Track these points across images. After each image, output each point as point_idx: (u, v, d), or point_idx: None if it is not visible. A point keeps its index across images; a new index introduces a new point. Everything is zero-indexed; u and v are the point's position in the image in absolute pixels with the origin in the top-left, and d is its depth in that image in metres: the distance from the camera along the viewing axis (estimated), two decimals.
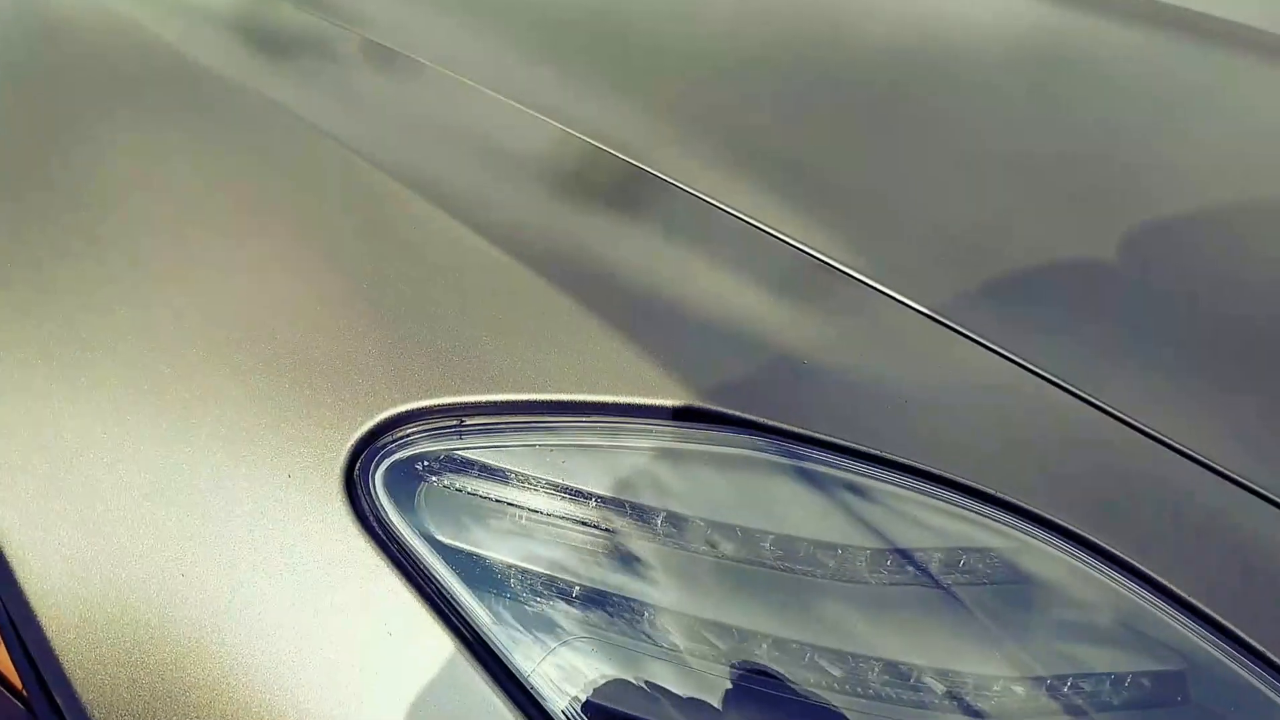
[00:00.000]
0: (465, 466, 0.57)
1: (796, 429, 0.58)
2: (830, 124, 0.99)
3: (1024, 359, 0.64)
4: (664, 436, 0.58)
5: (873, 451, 0.58)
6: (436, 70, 0.95)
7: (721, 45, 1.18)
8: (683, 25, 1.22)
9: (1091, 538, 0.55)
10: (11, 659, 0.60)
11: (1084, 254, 0.80)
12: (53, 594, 0.57)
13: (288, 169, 0.77)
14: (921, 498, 0.57)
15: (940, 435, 0.60)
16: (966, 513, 0.56)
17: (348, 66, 1.00)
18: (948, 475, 0.57)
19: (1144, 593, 0.53)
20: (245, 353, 0.61)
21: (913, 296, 0.68)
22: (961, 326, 0.66)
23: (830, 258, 0.71)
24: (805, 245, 0.72)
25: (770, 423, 0.58)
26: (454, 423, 0.58)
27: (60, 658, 0.56)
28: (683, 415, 0.58)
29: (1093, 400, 0.62)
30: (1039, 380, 0.62)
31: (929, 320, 0.67)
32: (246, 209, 0.73)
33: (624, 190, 0.78)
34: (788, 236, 0.73)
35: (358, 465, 0.56)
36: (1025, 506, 0.56)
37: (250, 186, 0.75)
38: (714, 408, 0.58)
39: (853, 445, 0.58)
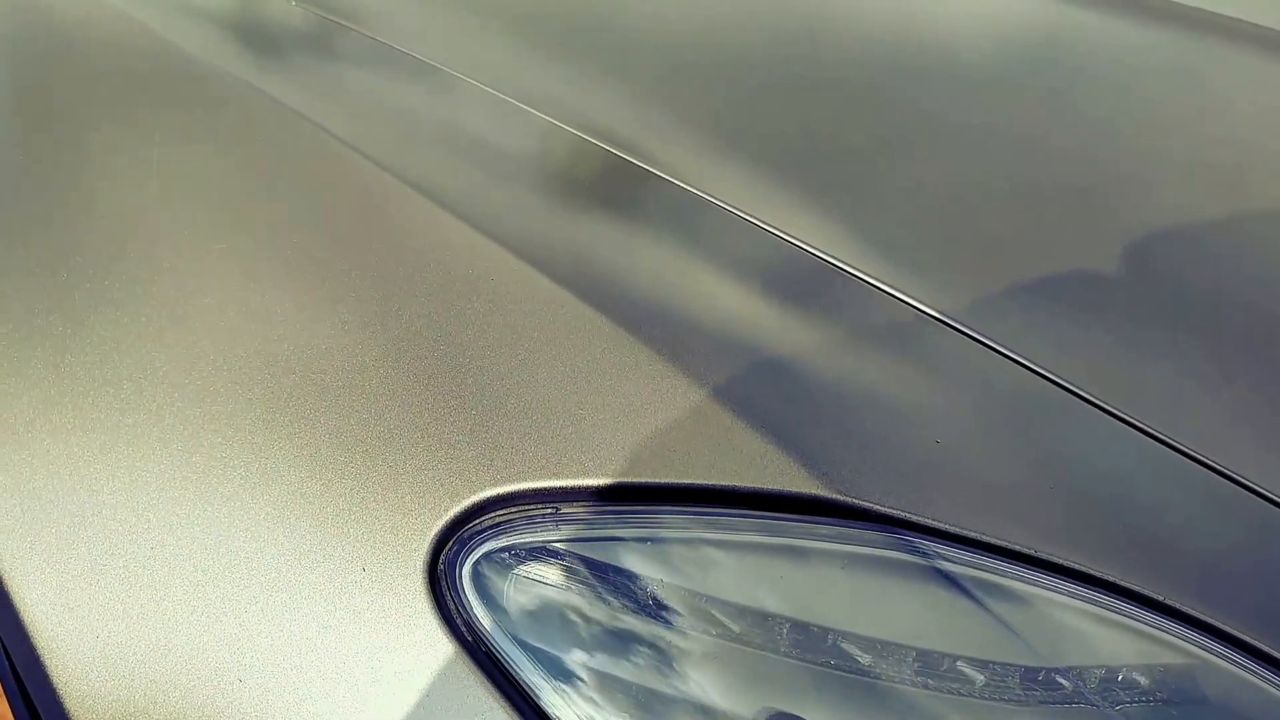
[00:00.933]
0: (562, 560, 0.50)
1: (935, 523, 0.51)
2: (891, 143, 0.92)
3: (1188, 445, 0.57)
4: (786, 532, 0.51)
5: (1021, 549, 0.51)
6: (498, 97, 0.90)
7: (745, 51, 1.13)
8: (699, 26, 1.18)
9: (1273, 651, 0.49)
10: None
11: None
12: (90, 696, 0.50)
13: (346, 207, 0.71)
14: (1080, 604, 0.50)
15: (1091, 527, 0.53)
16: (1132, 622, 0.49)
17: (393, 83, 0.94)
18: (1110, 579, 0.50)
19: None
20: (310, 427, 0.54)
21: (1046, 365, 0.62)
22: (1118, 407, 0.59)
23: (965, 326, 0.64)
24: (926, 306, 0.65)
25: (906, 515, 0.51)
26: (549, 510, 0.51)
27: None
28: (806, 507, 0.51)
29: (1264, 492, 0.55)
30: (1204, 469, 0.56)
31: (1069, 394, 0.60)
32: (302, 254, 0.66)
33: (734, 247, 0.71)
34: (912, 299, 0.66)
35: (442, 557, 0.50)
36: (1199, 616, 0.49)
37: (309, 232, 0.68)
38: (842, 499, 0.51)
39: (999, 542, 0.51)
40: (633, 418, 0.53)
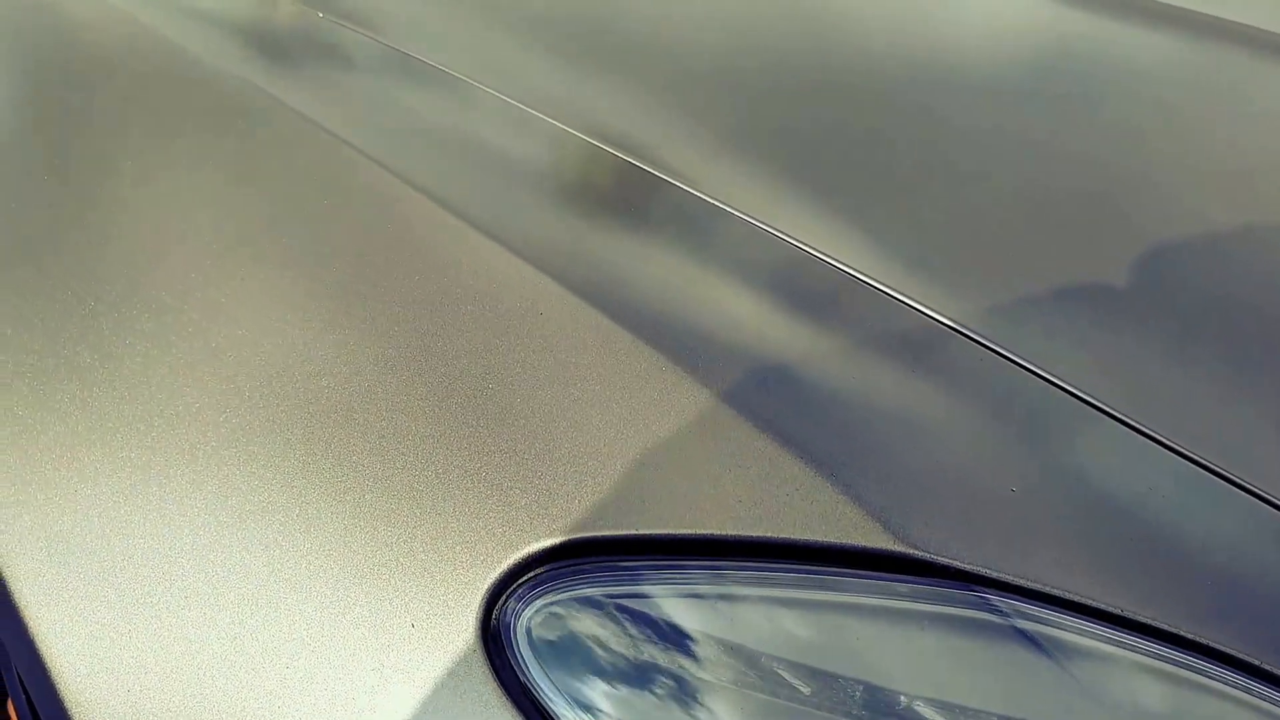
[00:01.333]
0: (624, 616, 0.47)
1: (1015, 579, 0.48)
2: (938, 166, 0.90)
3: None
4: (859, 589, 0.48)
5: (1107, 608, 0.48)
6: (540, 118, 0.87)
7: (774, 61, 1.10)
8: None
9: None
10: None
11: None
12: None
13: (383, 234, 0.68)
14: (1172, 668, 0.47)
15: (1182, 585, 0.50)
16: (1227, 688, 0.47)
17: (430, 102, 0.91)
18: (1205, 642, 0.47)
19: None
20: (353, 471, 0.52)
21: (1125, 410, 0.58)
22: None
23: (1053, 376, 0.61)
24: (998, 346, 0.62)
25: (984, 572, 0.49)
26: (608, 562, 0.48)
27: None
28: (881, 563, 0.49)
29: None
30: None
31: (1154, 442, 0.57)
32: (339, 283, 0.64)
33: (796, 281, 0.68)
34: (974, 333, 0.63)
35: (496, 612, 0.47)
36: None
37: (345, 259, 0.66)
38: (918, 554, 0.49)
39: (1083, 600, 0.48)
40: (695, 465, 0.51)
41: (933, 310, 0.64)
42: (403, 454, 0.52)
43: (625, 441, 0.52)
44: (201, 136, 0.81)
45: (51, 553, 0.52)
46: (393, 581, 0.48)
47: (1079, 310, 0.68)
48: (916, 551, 0.48)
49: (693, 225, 0.73)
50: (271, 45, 1.05)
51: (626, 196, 0.77)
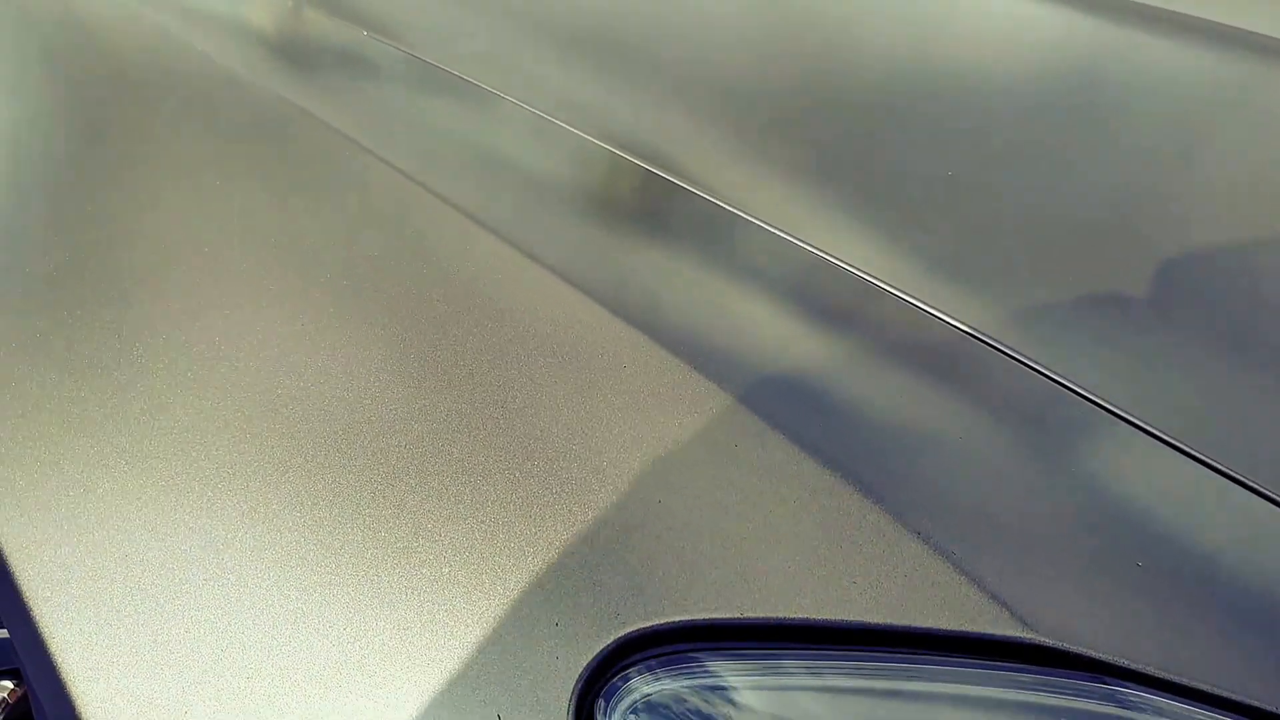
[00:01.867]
0: (728, 708, 0.44)
1: (1149, 669, 0.45)
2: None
3: None
4: (985, 680, 0.44)
5: (1250, 703, 0.44)
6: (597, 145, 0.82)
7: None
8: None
9: None
10: None
11: None
12: None
13: (450, 273, 0.64)
14: None
15: None
16: None
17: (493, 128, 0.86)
18: None
19: None
20: (431, 545, 0.48)
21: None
22: None
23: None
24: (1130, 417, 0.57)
25: (1116, 661, 0.45)
26: (711, 651, 0.45)
27: None
28: (1005, 651, 0.45)
29: None
30: None
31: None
32: (399, 328, 0.59)
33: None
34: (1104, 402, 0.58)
35: (588, 704, 0.43)
36: None
37: (399, 291, 0.61)
38: (1043, 642, 0.45)
39: (1223, 694, 0.44)
40: (805, 543, 0.47)
41: (1060, 377, 0.59)
42: (484, 523, 0.48)
43: (724, 513, 0.48)
44: (245, 150, 0.76)
45: (61, 552, 0.49)
46: (476, 670, 0.44)
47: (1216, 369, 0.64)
48: (1041, 639, 0.45)
49: (771, 258, 0.68)
50: (310, 59, 1.00)
51: (669, 212, 0.72)
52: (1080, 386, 0.58)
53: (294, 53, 0.98)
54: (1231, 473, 0.53)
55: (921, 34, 1.24)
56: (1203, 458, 0.54)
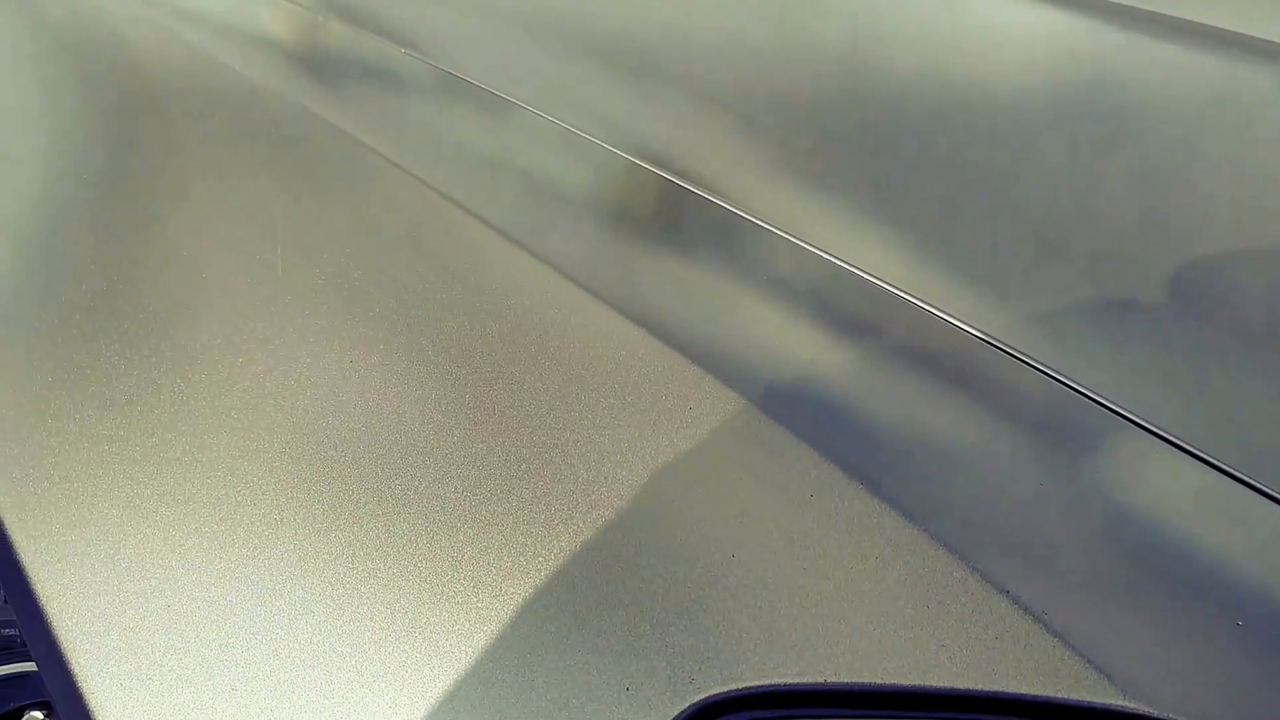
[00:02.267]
0: None
1: None
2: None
3: None
4: None
5: None
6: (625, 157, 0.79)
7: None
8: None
9: None
10: None
11: None
12: None
13: (515, 312, 0.61)
14: None
15: None
16: None
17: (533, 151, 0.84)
18: None
19: None
20: (493, 601, 0.46)
21: None
22: None
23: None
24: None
25: None
26: (792, 719, 0.42)
27: None
28: None
29: None
30: None
31: None
32: (458, 370, 0.57)
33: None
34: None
35: None
36: None
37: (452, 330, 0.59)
38: (1148, 713, 0.42)
39: None
40: (889, 602, 0.44)
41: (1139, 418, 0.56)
42: (553, 584, 0.46)
43: (802, 570, 0.45)
44: (271, 161, 0.74)
45: (71, 557, 0.47)
46: None
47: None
48: (1147, 710, 0.42)
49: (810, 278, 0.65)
50: (342, 74, 0.98)
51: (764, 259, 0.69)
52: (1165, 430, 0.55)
53: (329, 70, 0.96)
54: None
55: (940, 44, 1.21)
56: None
